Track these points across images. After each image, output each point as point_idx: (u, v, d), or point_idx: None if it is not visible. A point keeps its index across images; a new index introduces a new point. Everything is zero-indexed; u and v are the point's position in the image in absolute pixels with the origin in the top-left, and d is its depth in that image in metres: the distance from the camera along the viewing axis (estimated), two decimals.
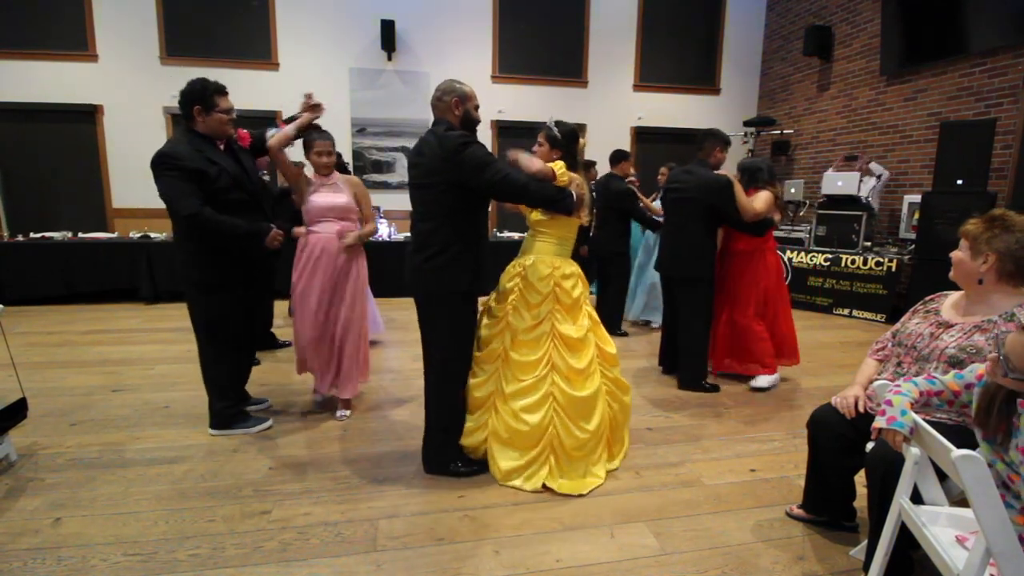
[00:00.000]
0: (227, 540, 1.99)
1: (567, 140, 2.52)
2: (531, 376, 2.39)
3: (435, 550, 1.96)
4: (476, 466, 2.49)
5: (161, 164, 2.51)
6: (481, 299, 2.49)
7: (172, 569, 1.84)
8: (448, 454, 2.48)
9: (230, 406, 2.88)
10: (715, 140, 3.64)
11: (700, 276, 3.55)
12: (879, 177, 6.19)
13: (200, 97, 2.55)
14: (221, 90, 2.62)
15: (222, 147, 2.70)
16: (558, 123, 2.52)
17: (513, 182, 2.23)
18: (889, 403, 1.50)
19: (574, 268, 2.52)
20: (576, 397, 2.38)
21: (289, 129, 2.83)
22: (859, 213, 6.08)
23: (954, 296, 1.94)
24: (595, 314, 2.57)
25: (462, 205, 2.27)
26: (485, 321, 2.54)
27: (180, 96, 2.58)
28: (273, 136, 2.82)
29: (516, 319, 2.44)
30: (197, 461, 2.58)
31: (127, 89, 6.80)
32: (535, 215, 2.49)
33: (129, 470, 2.49)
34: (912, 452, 1.47)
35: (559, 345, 2.42)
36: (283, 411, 3.19)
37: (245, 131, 2.89)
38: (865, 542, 1.84)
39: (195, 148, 2.56)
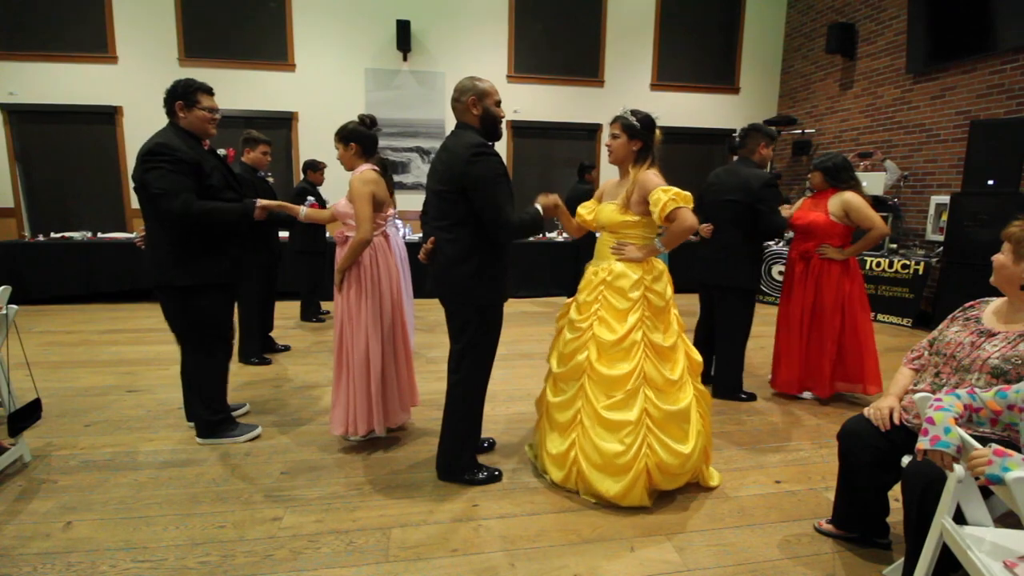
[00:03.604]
0: (237, 547, 1.95)
1: (646, 129, 2.30)
2: (622, 391, 2.21)
3: (449, 561, 1.90)
4: (491, 474, 2.44)
5: (155, 155, 2.40)
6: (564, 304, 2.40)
7: None
8: (463, 462, 2.42)
9: (216, 414, 2.77)
10: (759, 135, 3.31)
11: (739, 285, 3.32)
12: (903, 178, 6.06)
13: (183, 94, 2.51)
14: (205, 89, 2.57)
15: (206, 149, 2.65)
16: (633, 111, 2.30)
17: (504, 220, 2.11)
18: (931, 421, 1.40)
19: (662, 266, 2.36)
20: (670, 411, 2.22)
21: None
22: (884, 214, 5.91)
23: (996, 303, 1.83)
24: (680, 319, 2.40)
25: (473, 216, 2.16)
26: (567, 336, 2.38)
27: (165, 94, 2.54)
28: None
29: (603, 330, 2.26)
30: (209, 464, 2.56)
31: (146, 90, 6.84)
32: (619, 217, 2.31)
33: (141, 473, 2.47)
34: (956, 469, 1.38)
35: (651, 355, 2.25)
36: (295, 414, 3.17)
37: (233, 150, 2.87)
38: (900, 561, 1.75)
39: (185, 143, 2.49)
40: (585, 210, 2.50)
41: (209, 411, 2.75)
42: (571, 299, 2.47)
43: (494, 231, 2.17)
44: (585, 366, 2.28)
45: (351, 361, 2.64)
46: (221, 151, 2.87)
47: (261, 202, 2.72)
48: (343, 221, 2.73)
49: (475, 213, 2.15)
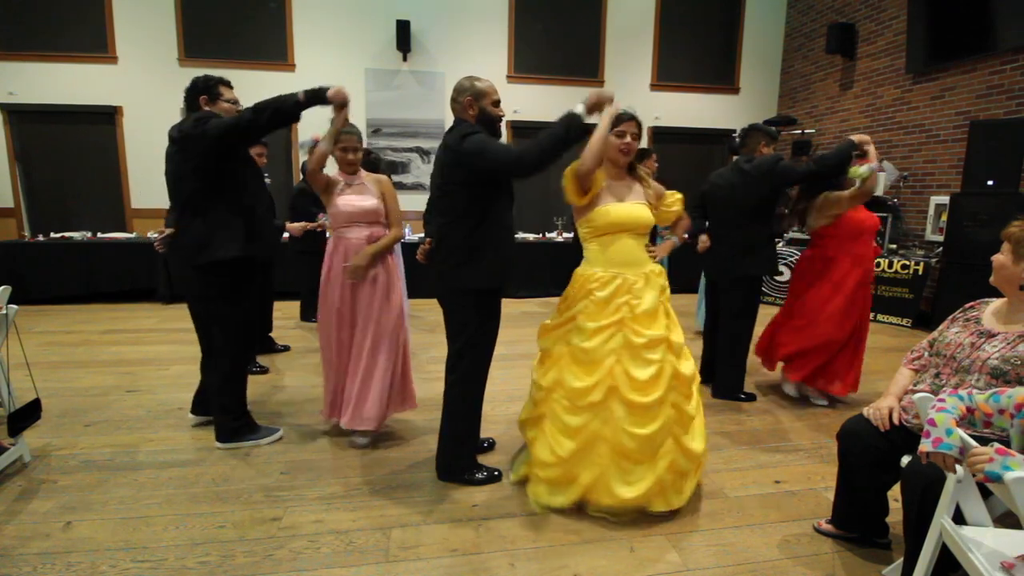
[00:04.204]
0: (237, 548, 1.95)
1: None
2: (696, 386, 2.25)
3: (449, 562, 1.90)
4: (491, 474, 2.44)
5: (203, 116, 2.43)
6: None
7: None
8: (463, 462, 2.42)
9: (239, 419, 2.76)
10: (759, 135, 3.33)
11: (747, 274, 3.33)
12: (902, 178, 6.07)
13: (204, 88, 2.58)
14: (225, 82, 2.64)
15: None
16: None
17: (513, 159, 2.08)
18: (933, 423, 1.40)
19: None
20: (685, 375, 2.20)
21: (324, 145, 2.62)
22: (884, 215, 5.92)
23: (996, 303, 1.83)
24: None
25: (476, 206, 2.20)
26: (650, 357, 2.11)
27: (185, 92, 2.58)
28: (310, 158, 2.67)
29: (676, 335, 2.20)
30: (209, 464, 2.56)
31: (146, 91, 6.86)
32: (651, 219, 2.25)
33: (141, 473, 2.47)
34: (957, 471, 1.38)
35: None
36: (295, 414, 3.16)
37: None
38: (899, 561, 1.75)
39: None
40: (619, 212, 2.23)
41: (231, 417, 2.74)
42: (583, 324, 2.16)
43: (514, 173, 2.15)
44: (673, 381, 2.13)
45: (377, 355, 2.67)
46: None
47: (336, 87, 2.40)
48: (376, 220, 2.74)
49: (476, 204, 2.18)
